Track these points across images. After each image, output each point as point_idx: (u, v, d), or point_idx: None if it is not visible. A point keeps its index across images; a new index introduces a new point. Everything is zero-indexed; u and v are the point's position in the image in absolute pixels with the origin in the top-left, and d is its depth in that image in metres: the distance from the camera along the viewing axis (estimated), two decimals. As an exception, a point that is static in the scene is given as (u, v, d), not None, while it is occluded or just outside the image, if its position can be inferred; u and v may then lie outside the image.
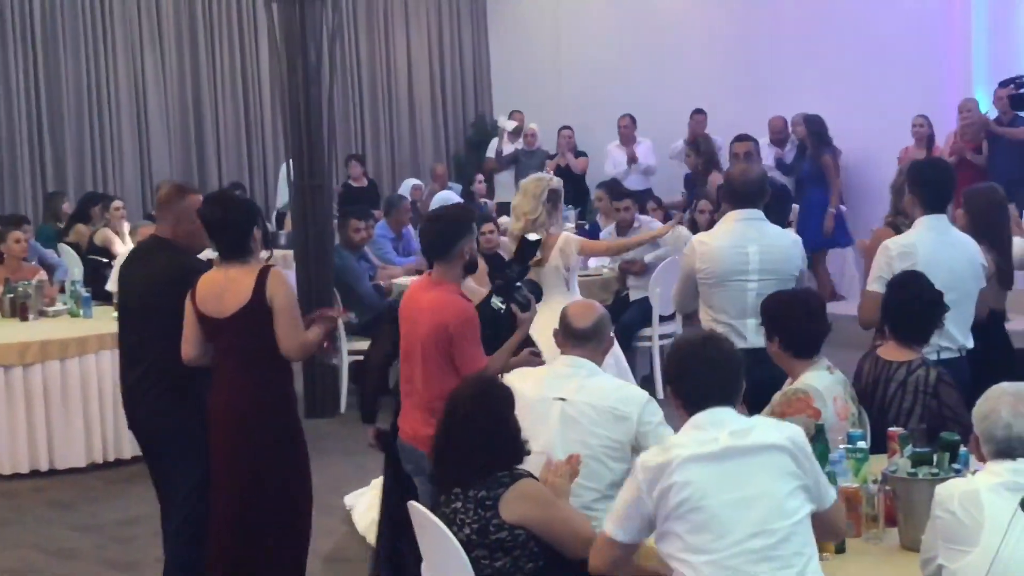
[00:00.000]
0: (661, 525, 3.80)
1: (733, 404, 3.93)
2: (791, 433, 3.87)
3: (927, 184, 6.20)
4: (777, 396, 5.10)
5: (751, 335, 6.02)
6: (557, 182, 8.07)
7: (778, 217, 7.14)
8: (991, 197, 6.80)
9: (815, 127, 12.89)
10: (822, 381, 5.06)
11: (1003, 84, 10.16)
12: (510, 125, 16.22)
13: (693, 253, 6.32)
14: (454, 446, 4.41)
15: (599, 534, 4.03)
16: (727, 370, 3.96)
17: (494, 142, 16.59)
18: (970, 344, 5.97)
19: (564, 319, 5.18)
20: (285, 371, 5.64)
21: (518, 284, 5.80)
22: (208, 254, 6.20)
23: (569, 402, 4.89)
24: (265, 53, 15.89)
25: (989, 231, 6.53)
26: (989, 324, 6.44)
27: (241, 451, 5.51)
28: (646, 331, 10.23)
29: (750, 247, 6.21)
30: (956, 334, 5.89)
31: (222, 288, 5.46)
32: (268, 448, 5.53)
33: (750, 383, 4.34)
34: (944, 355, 5.79)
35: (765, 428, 3.90)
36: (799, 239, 6.52)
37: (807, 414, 4.87)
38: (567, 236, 8.07)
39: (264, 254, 5.69)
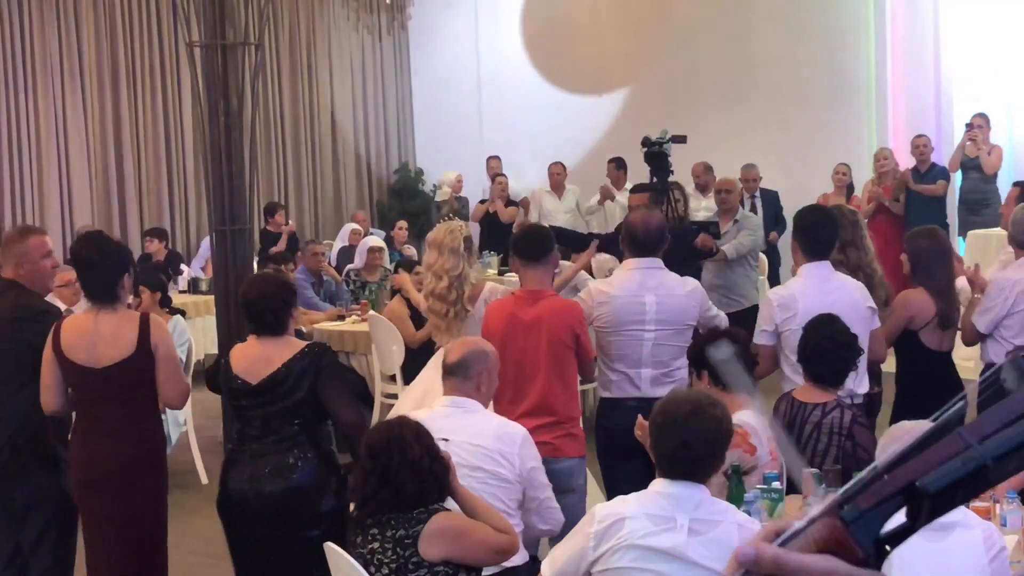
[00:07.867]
0: (596, 567, 3.81)
1: (705, 480, 3.83)
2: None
3: (806, 231, 6.20)
4: None
5: (645, 385, 6.03)
6: (465, 226, 7.36)
7: None
8: (930, 241, 6.68)
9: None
10: (758, 420, 5.09)
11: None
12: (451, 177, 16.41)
13: (590, 298, 6.24)
14: (384, 488, 4.31)
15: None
16: (706, 449, 3.81)
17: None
18: (861, 389, 5.88)
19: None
20: (159, 420, 5.63)
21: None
22: (57, 303, 6.19)
23: (452, 442, 4.83)
24: (188, 96, 15.77)
25: (926, 276, 6.50)
26: (936, 365, 6.48)
27: (130, 499, 5.39)
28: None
29: (647, 296, 6.10)
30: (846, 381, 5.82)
31: (94, 336, 5.32)
32: (152, 496, 5.49)
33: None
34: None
35: (727, 529, 3.75)
36: (698, 286, 6.36)
37: (743, 449, 4.89)
38: (492, 286, 7.33)
39: (130, 300, 5.64)
